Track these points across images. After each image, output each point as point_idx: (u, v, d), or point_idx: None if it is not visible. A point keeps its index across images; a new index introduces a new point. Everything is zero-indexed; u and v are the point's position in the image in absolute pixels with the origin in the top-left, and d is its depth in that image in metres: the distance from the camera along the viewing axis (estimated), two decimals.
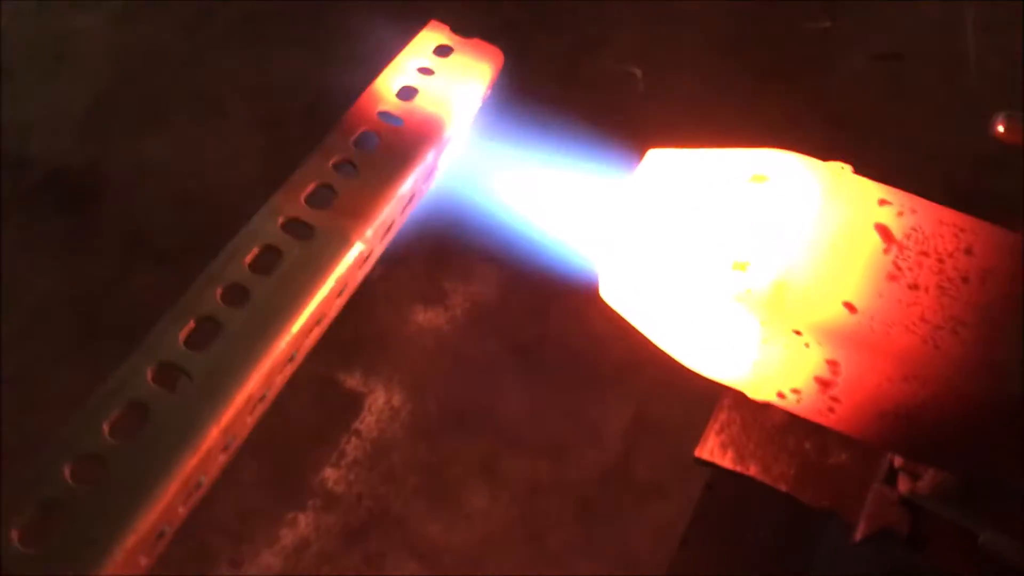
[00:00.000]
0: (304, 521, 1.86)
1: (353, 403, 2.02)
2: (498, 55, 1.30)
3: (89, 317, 2.18)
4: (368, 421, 1.99)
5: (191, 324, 1.00)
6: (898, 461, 1.09)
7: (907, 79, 2.46)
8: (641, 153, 1.07)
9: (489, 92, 1.29)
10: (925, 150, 2.32)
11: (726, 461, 1.21)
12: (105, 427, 0.89)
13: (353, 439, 1.97)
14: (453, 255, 2.21)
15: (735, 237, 0.89)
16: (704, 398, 1.73)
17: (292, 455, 1.94)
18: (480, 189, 1.19)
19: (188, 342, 0.98)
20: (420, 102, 1.22)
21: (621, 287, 0.97)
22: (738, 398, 1.26)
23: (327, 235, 1.11)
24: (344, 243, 1.11)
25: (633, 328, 1.13)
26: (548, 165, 1.10)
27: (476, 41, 1.29)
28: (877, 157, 2.31)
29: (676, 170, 0.96)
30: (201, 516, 1.89)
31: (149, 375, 0.94)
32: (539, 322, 2.13)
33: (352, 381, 2.06)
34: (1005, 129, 1.14)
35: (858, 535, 1.13)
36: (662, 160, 0.97)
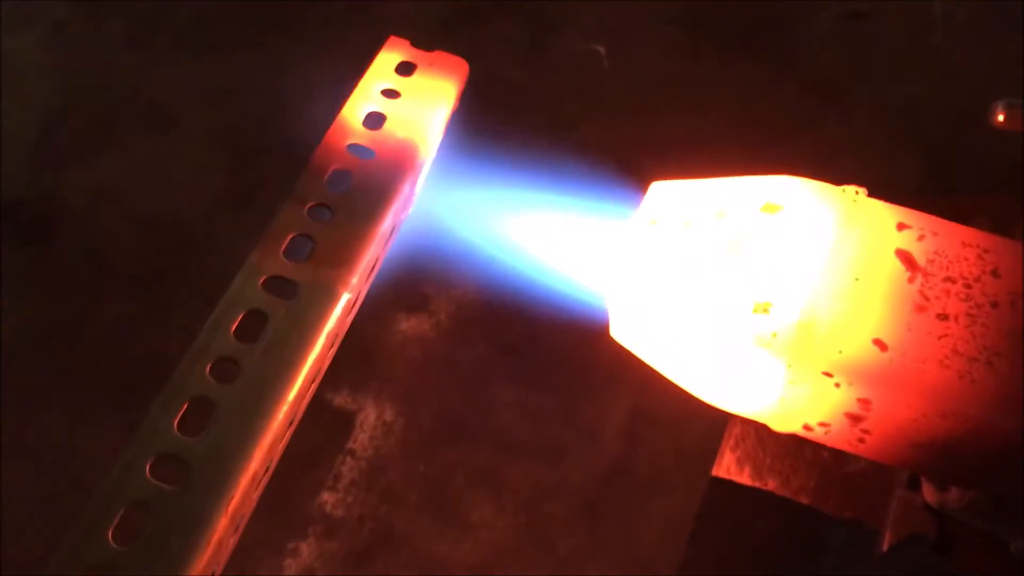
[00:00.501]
0: (307, 550, 1.82)
1: (344, 422, 1.98)
2: (463, 66, 1.24)
3: (60, 354, 2.11)
4: (361, 439, 1.95)
5: (184, 407, 0.95)
6: None
7: (875, 40, 2.42)
8: (640, 182, 1.03)
9: (457, 104, 1.24)
10: (899, 111, 2.29)
11: (744, 478, 1.19)
12: (109, 535, 0.84)
13: (348, 459, 1.93)
14: (432, 258, 2.16)
15: (753, 275, 0.85)
16: None
17: (286, 482, 1.90)
18: (463, 228, 1.14)
19: (182, 427, 0.93)
20: (390, 128, 1.17)
21: (632, 327, 0.93)
22: None
23: (312, 289, 1.06)
24: (331, 296, 1.06)
25: None
26: (542, 200, 1.05)
27: (439, 54, 1.23)
28: (851, 121, 2.29)
29: (682, 203, 0.91)
30: None
31: (147, 471, 0.89)
32: (527, 321, 2.09)
33: (340, 399, 2.01)
34: (1005, 118, 1.11)
35: (885, 544, 1.11)
36: (666, 193, 0.92)
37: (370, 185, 1.15)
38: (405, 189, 1.17)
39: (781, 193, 0.89)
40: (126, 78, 2.53)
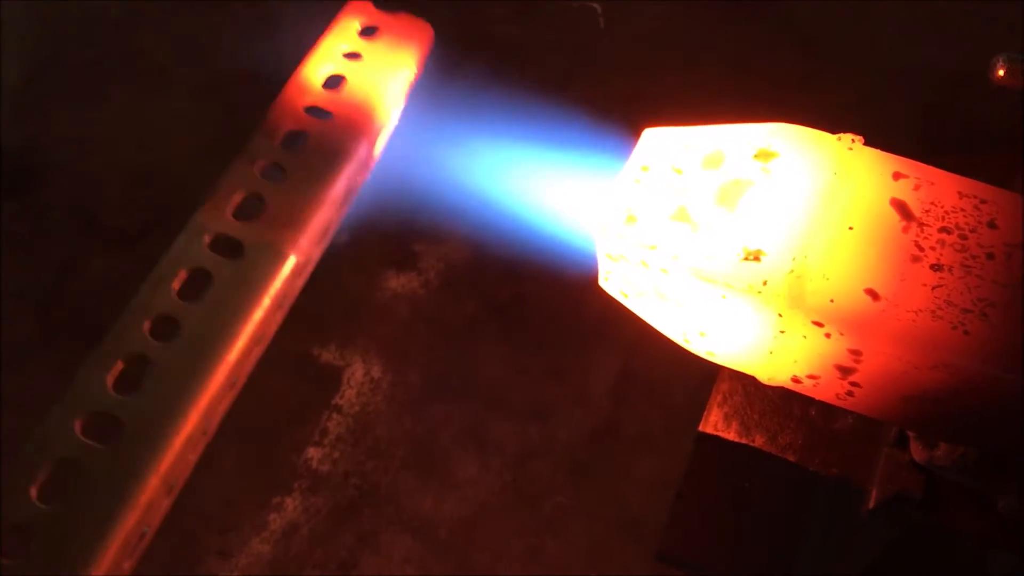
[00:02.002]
0: (291, 504, 1.81)
1: (331, 378, 1.96)
2: (427, 30, 1.22)
3: (44, 308, 2.08)
4: (348, 395, 1.94)
5: (119, 366, 0.93)
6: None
7: (874, 1, 2.38)
8: (628, 109, 1.01)
9: (420, 70, 1.22)
10: (896, 73, 2.27)
11: (731, 434, 1.18)
12: (32, 491, 0.82)
13: (334, 415, 1.91)
14: (419, 215, 2.13)
15: (745, 223, 0.83)
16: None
17: (272, 437, 1.88)
18: (463, 158, 1.12)
19: (117, 386, 0.91)
20: (349, 91, 1.14)
21: (620, 276, 0.91)
22: None
23: (258, 250, 1.03)
24: (278, 257, 1.04)
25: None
26: (534, 151, 1.03)
27: (403, 16, 1.21)
28: (848, 82, 2.26)
29: (675, 150, 0.89)
30: (184, 507, 1.83)
31: (78, 428, 0.87)
32: (516, 280, 2.07)
33: (327, 355, 1.99)
34: (1006, 72, 1.09)
35: (872, 501, 1.10)
36: (659, 140, 0.90)
37: (325, 147, 1.12)
38: (361, 152, 1.14)
39: (776, 140, 0.87)
40: (115, 28, 2.48)
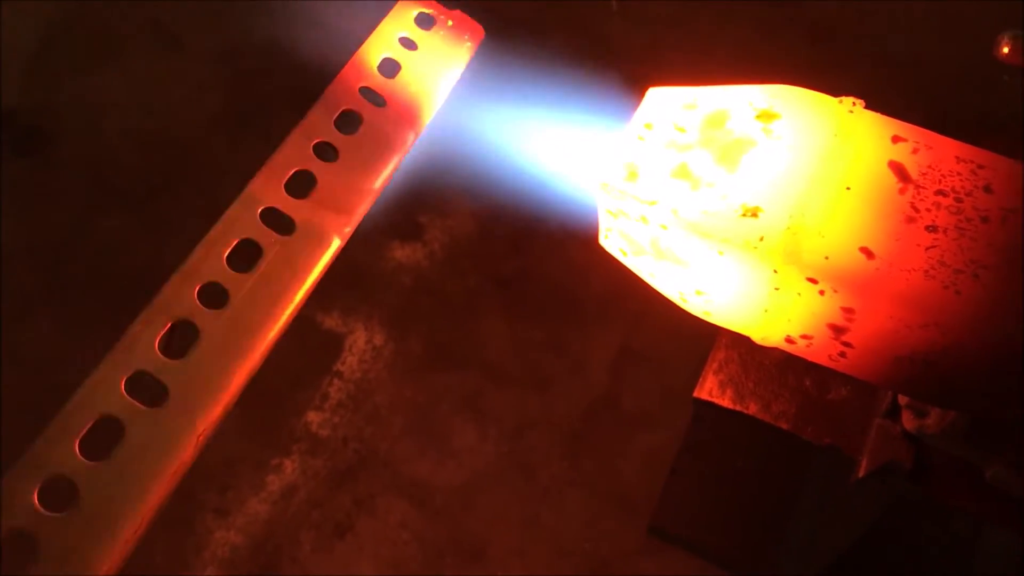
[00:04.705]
0: (290, 466, 1.83)
1: (333, 344, 1.98)
2: (478, 31, 1.22)
3: (51, 267, 2.10)
4: (350, 362, 1.96)
5: (167, 326, 0.93)
6: (903, 398, 1.07)
7: None
8: (636, 88, 1.02)
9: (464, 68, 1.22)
10: (901, 62, 2.27)
11: (725, 401, 1.19)
12: (76, 446, 0.83)
13: (335, 381, 1.93)
14: (427, 188, 2.15)
15: (744, 180, 0.85)
16: (690, 328, 1.71)
17: (274, 400, 1.90)
18: (472, 128, 1.14)
19: (164, 348, 0.92)
20: (403, 80, 1.15)
21: (620, 234, 0.93)
22: (735, 336, 1.24)
23: (308, 230, 1.04)
24: (325, 240, 1.05)
25: (616, 258, 1.09)
26: (543, 106, 1.04)
27: (458, 14, 1.21)
28: (854, 69, 2.27)
29: (678, 108, 0.91)
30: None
31: (122, 386, 0.88)
32: (519, 254, 2.09)
33: (331, 321, 2.01)
34: (1010, 50, 1.10)
35: (861, 471, 1.12)
36: (663, 98, 0.91)
37: (379, 135, 1.13)
38: (409, 144, 1.16)
39: (778, 102, 0.88)
40: None
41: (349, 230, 1.06)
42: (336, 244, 1.04)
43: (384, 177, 1.12)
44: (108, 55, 2.43)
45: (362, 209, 1.09)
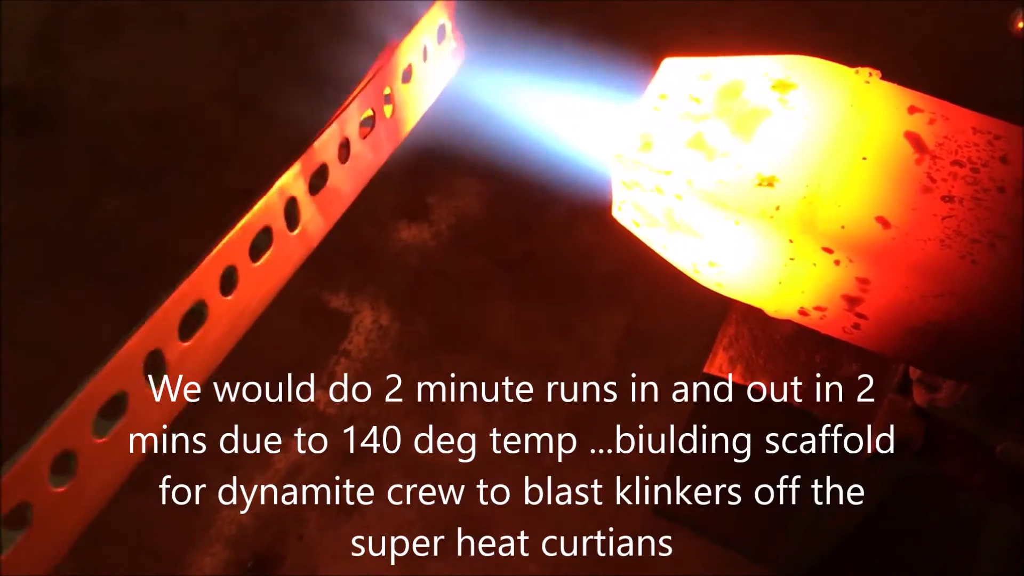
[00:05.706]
0: (296, 445, 1.83)
1: (340, 323, 1.98)
2: (461, 55, 1.22)
3: (57, 245, 2.10)
4: (357, 341, 1.95)
5: (188, 308, 0.91)
6: (915, 372, 1.07)
7: None
8: (650, 61, 1.02)
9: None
10: (912, 48, 2.27)
11: (736, 376, 1.19)
12: (91, 423, 0.81)
13: (342, 360, 1.93)
14: (435, 168, 2.15)
15: (760, 150, 0.84)
16: (696, 309, 1.71)
17: (280, 378, 1.90)
18: (482, 105, 1.13)
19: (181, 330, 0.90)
20: (412, 90, 1.14)
21: (633, 205, 0.93)
22: (746, 311, 1.23)
23: (306, 230, 1.04)
24: (310, 243, 1.05)
25: (624, 240, 1.09)
26: (556, 77, 1.04)
27: (458, 36, 1.21)
28: (864, 56, 2.26)
29: (693, 79, 0.90)
30: (191, 444, 1.85)
31: (141, 366, 0.86)
32: (526, 236, 2.08)
33: (337, 301, 2.01)
34: None
35: (872, 447, 1.12)
36: (678, 69, 0.91)
37: (378, 144, 1.11)
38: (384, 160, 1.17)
39: (794, 72, 0.88)
40: None
41: (318, 241, 1.05)
42: (309, 250, 1.04)
43: (369, 175, 1.12)
44: (112, 34, 2.42)
45: (334, 218, 1.08)
